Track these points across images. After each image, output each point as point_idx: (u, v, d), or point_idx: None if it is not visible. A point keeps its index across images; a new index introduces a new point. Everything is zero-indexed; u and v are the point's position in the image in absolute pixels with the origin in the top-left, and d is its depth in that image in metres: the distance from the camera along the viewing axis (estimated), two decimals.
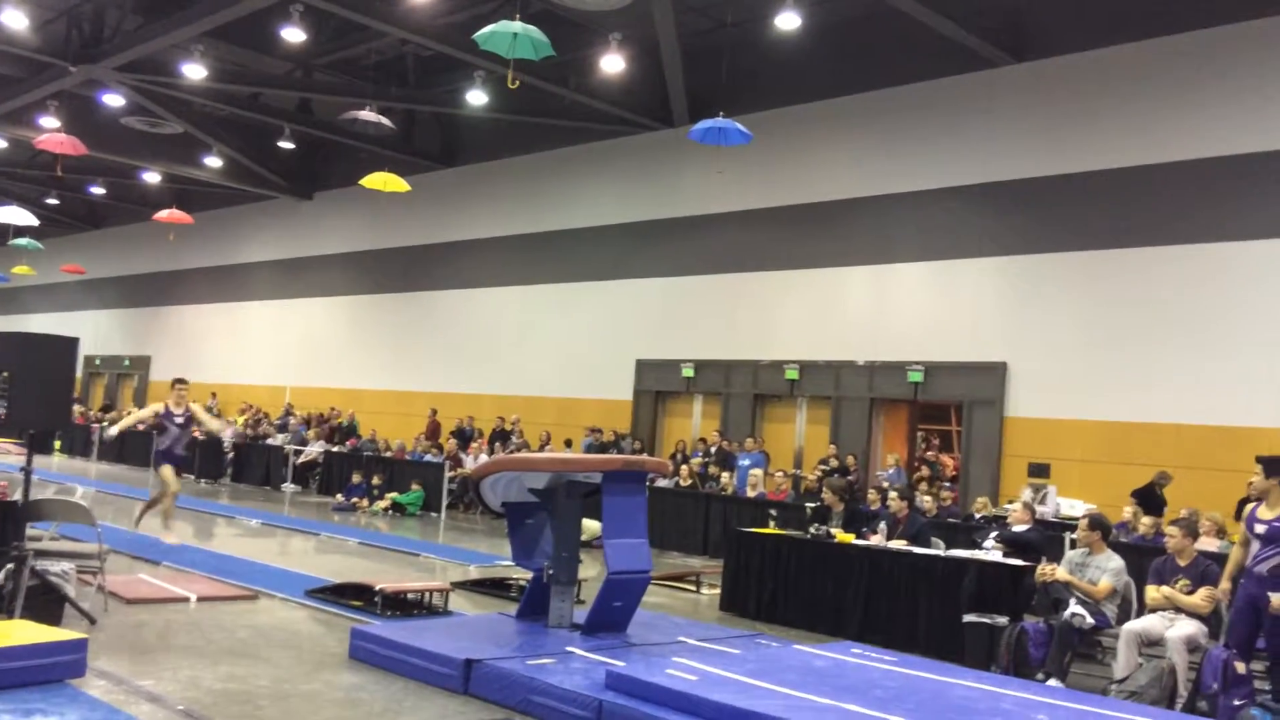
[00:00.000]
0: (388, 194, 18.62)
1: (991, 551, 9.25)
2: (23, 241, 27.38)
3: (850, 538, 10.10)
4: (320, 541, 13.95)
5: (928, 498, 13.74)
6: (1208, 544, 9.88)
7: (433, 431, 21.54)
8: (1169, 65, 14.09)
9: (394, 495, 18.56)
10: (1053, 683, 7.38)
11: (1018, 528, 9.61)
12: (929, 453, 18.39)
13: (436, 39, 17.42)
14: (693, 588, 11.66)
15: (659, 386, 19.41)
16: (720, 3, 16.71)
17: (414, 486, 18.56)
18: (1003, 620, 8.34)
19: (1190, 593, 7.45)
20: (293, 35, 17.06)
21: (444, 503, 18.36)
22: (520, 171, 22.32)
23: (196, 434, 17.00)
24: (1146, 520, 11.68)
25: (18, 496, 7.94)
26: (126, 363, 33.92)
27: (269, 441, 23.07)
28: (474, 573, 11.57)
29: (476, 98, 19.18)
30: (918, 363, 15.90)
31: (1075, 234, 14.63)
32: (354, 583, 9.53)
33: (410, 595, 9.17)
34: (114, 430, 13.72)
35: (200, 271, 31.08)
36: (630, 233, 20.08)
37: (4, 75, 21.75)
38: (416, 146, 23.91)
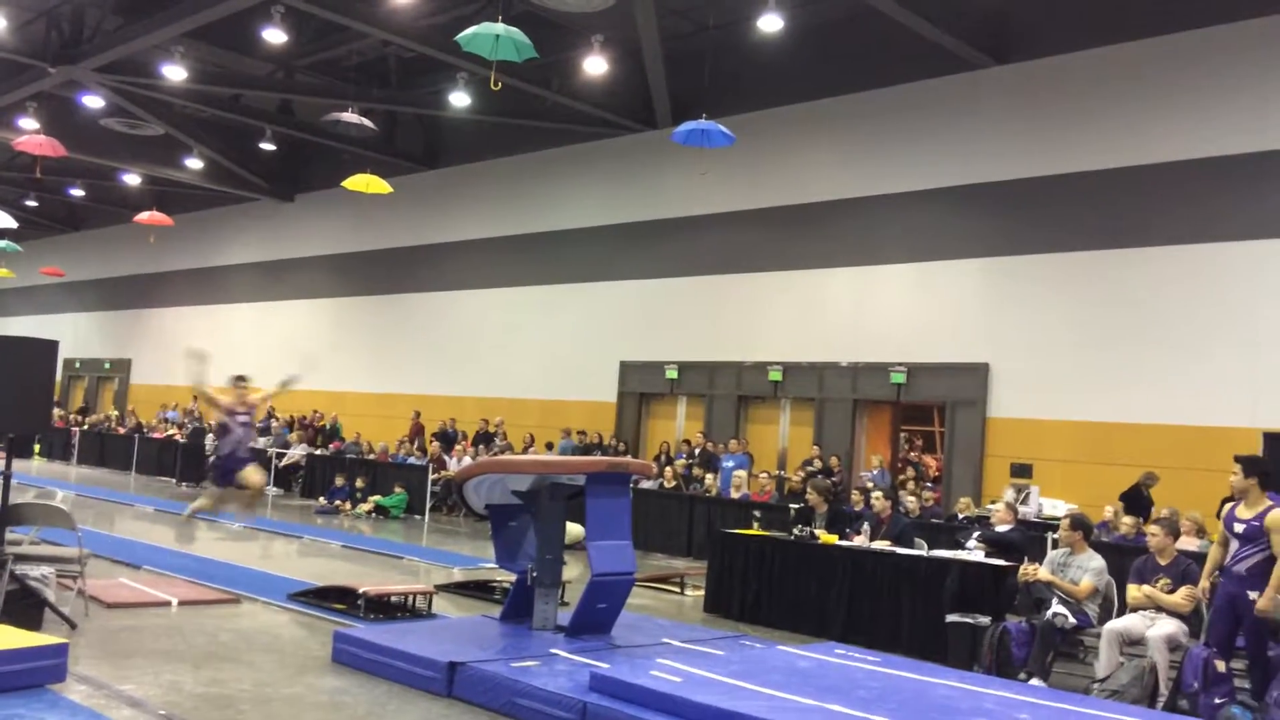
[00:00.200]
0: (370, 196, 18.58)
1: (974, 552, 9.28)
2: (1, 244, 27.13)
3: (834, 539, 10.12)
4: (303, 545, 13.90)
5: (911, 498, 13.82)
6: (1188, 543, 9.97)
7: (416, 434, 21.47)
8: (1150, 68, 14.19)
9: (377, 498, 18.50)
10: (1035, 682, 7.42)
11: (1000, 528, 9.66)
12: (912, 453, 18.46)
13: (418, 40, 17.36)
14: (677, 589, 11.67)
15: (643, 388, 19.41)
16: (702, 5, 16.73)
17: (397, 489, 18.51)
18: (985, 620, 8.38)
19: (1171, 592, 7.49)
20: (274, 36, 16.96)
21: (427, 505, 18.33)
22: (503, 173, 22.29)
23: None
24: (1128, 520, 11.76)
25: None
26: (107, 365, 33.71)
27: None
28: (458, 575, 11.55)
29: (459, 99, 19.15)
30: (900, 364, 15.96)
31: (1057, 235, 14.71)
32: (337, 586, 9.49)
33: (394, 598, 9.15)
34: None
35: (181, 274, 30.89)
36: (613, 234, 20.06)
37: None
38: (399, 148, 23.82)
